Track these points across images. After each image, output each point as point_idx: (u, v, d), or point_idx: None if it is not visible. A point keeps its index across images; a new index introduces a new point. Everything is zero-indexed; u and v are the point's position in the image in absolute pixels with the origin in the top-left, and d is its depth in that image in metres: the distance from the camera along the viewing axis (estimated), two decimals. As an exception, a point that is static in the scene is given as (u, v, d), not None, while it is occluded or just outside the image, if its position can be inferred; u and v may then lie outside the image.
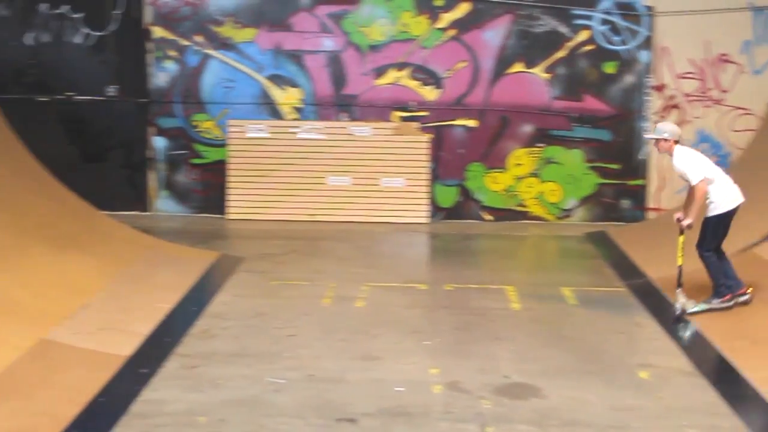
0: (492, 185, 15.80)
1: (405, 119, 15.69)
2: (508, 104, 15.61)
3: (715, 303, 10.35)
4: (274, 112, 15.84)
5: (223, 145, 15.73)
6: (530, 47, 15.52)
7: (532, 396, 8.25)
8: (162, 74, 15.78)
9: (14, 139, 13.33)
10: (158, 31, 15.69)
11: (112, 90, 15.80)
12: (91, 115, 15.89)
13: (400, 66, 15.66)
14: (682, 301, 10.35)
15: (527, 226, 15.61)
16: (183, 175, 16.02)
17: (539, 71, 15.55)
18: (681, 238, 10.37)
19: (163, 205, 16.11)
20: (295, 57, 15.71)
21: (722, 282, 10.33)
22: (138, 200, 16.04)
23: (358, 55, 15.67)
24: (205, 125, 15.88)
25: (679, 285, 10.36)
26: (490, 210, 15.89)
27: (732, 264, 10.46)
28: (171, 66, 15.76)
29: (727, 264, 10.42)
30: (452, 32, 15.55)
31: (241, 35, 15.66)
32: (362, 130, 15.54)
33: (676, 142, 10.32)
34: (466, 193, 15.89)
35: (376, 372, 8.78)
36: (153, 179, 16.05)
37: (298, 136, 15.54)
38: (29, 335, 8.86)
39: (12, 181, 12.35)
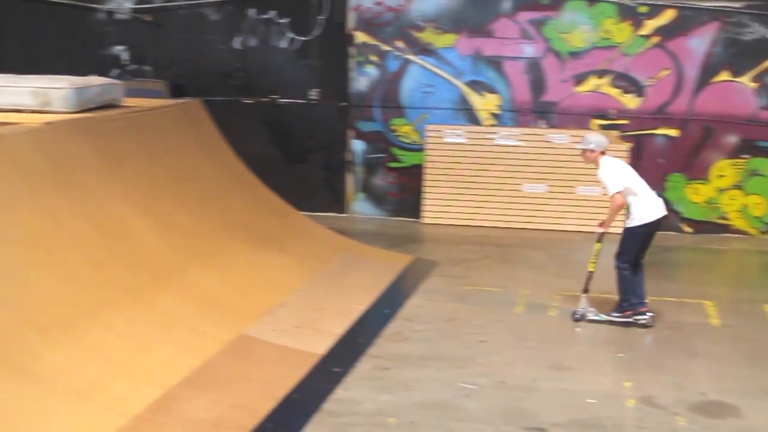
0: (693, 197, 15.37)
1: (604, 127, 15.41)
2: (713, 114, 15.13)
3: (615, 316, 10.49)
4: (472, 118, 15.86)
5: (420, 150, 15.86)
6: (738, 55, 14.99)
7: (729, 415, 8.00)
8: (363, 78, 16.04)
9: (221, 140, 13.82)
10: (360, 36, 15.95)
11: (314, 93, 16.17)
12: (293, 117, 16.30)
13: (601, 73, 15.40)
14: (583, 306, 10.55)
15: (729, 239, 15.10)
16: (380, 178, 16.25)
17: (747, 80, 15.02)
18: (597, 246, 10.57)
19: (360, 207, 16.37)
20: (495, 63, 15.68)
21: (628, 299, 10.45)
22: (335, 202, 16.36)
23: (558, 61, 15.51)
24: (403, 129, 16.05)
25: (585, 291, 10.56)
26: (690, 222, 15.45)
27: (644, 282, 10.55)
28: (372, 70, 15.99)
29: (640, 281, 10.54)
30: (656, 39, 15.19)
31: (441, 41, 15.74)
32: (560, 137, 15.38)
33: (603, 153, 10.47)
34: (665, 203, 15.48)
35: (568, 382, 8.69)
36: (350, 182, 16.34)
37: (496, 142, 15.52)
38: (230, 330, 9.19)
39: (219, 181, 12.82)
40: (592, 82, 15.44)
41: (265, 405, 7.78)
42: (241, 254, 11.28)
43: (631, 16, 15.19)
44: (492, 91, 15.73)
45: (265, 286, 10.75)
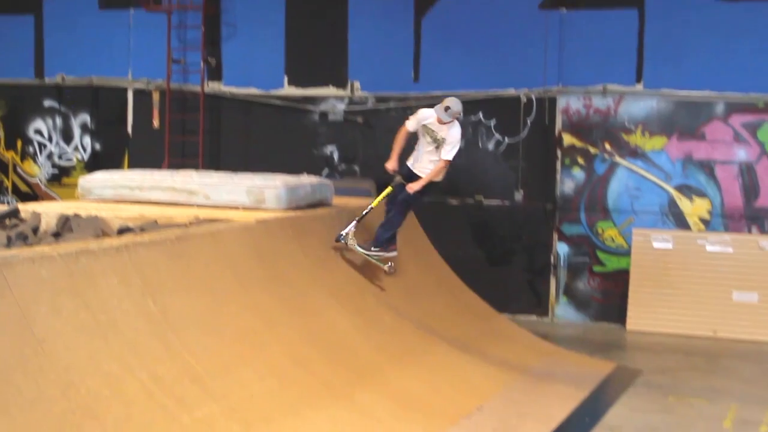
0: None
1: (821, 235, 14.84)
2: None
3: (373, 251, 11.65)
4: (680, 222, 15.52)
5: (625, 254, 15.59)
6: None
7: None
8: (569, 181, 15.96)
9: (426, 240, 14.00)
10: (568, 139, 15.93)
11: (519, 195, 16.18)
12: (497, 218, 16.34)
13: (820, 178, 14.89)
14: (350, 231, 11.58)
15: None
16: (583, 282, 16.03)
17: None
18: (389, 189, 11.82)
19: (562, 311, 16.16)
20: (706, 167, 15.35)
21: (385, 237, 11.63)
22: (538, 305, 16.20)
23: (773, 166, 15.09)
24: (609, 233, 15.84)
25: (359, 220, 11.69)
26: None
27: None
28: (578, 173, 15.91)
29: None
30: None
31: (650, 144, 15.56)
32: (774, 244, 14.87)
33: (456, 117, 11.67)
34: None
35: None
36: (554, 285, 16.18)
37: (706, 249, 15.08)
38: (427, 431, 9.18)
39: (423, 281, 12.96)
40: (809, 188, 14.93)
41: None
42: (441, 355, 11.31)
43: None
44: (702, 195, 15.38)
45: (464, 389, 10.71)
